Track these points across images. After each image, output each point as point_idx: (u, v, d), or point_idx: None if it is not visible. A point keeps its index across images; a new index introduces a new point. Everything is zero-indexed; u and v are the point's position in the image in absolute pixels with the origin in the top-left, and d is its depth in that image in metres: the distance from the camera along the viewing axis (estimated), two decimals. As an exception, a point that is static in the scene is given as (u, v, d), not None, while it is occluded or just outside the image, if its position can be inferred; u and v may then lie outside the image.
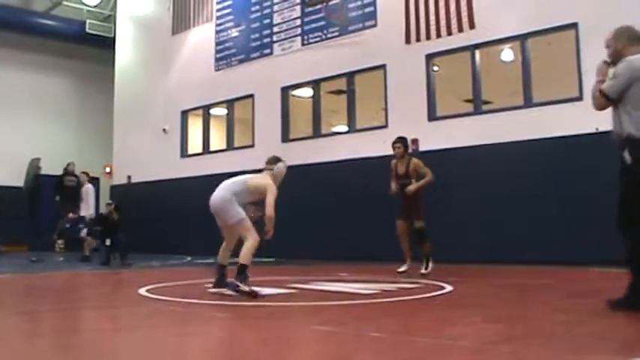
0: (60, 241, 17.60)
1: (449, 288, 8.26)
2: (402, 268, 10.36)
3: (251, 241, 7.65)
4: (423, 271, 10.27)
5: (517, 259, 12.44)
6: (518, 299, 7.66)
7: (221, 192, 7.91)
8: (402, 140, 10.53)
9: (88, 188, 17.32)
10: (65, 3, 26.12)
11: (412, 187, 10.29)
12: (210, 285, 8.28)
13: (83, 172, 17.63)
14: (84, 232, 16.82)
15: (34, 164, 25.22)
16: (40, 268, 14.63)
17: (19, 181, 25.17)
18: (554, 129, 12.86)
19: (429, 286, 8.49)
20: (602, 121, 12.00)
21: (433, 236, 13.76)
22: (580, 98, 12.60)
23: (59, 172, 18.42)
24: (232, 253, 8.04)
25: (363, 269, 11.91)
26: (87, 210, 17.12)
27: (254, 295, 7.37)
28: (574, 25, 12.97)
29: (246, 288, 7.38)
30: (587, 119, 12.17)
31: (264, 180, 8.03)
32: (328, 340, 4.98)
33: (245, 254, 7.60)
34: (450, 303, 7.32)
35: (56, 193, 17.83)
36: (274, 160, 8.31)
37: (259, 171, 8.33)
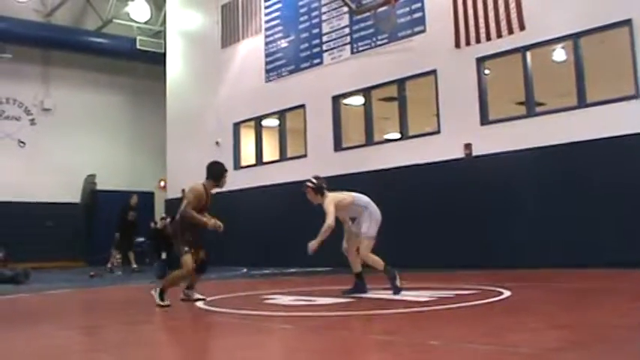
0: (118, 257, 17.87)
1: (507, 293, 8.12)
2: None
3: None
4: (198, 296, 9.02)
5: (574, 262, 12.16)
6: (579, 303, 7.48)
7: None
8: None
9: None
10: (115, 20, 26.62)
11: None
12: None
13: None
14: None
15: (90, 180, 25.66)
16: (98, 282, 14.84)
17: (75, 198, 25.63)
18: (610, 128, 12.58)
19: (487, 292, 8.36)
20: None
21: (491, 241, 13.58)
22: (636, 96, 12.33)
23: (114, 187, 18.67)
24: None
25: (417, 276, 11.80)
26: None
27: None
28: (628, 22, 12.70)
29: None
30: (644, 117, 11.96)
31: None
32: (387, 349, 4.94)
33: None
34: (509, 309, 7.20)
35: (117, 229, 18.18)
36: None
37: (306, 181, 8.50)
